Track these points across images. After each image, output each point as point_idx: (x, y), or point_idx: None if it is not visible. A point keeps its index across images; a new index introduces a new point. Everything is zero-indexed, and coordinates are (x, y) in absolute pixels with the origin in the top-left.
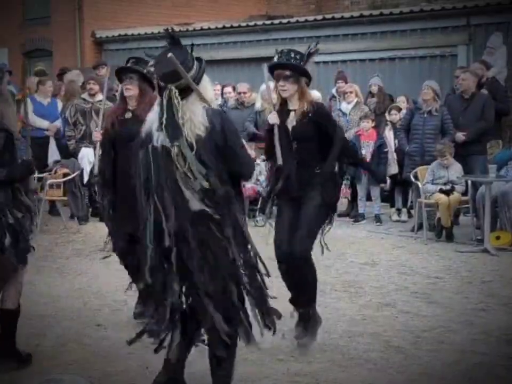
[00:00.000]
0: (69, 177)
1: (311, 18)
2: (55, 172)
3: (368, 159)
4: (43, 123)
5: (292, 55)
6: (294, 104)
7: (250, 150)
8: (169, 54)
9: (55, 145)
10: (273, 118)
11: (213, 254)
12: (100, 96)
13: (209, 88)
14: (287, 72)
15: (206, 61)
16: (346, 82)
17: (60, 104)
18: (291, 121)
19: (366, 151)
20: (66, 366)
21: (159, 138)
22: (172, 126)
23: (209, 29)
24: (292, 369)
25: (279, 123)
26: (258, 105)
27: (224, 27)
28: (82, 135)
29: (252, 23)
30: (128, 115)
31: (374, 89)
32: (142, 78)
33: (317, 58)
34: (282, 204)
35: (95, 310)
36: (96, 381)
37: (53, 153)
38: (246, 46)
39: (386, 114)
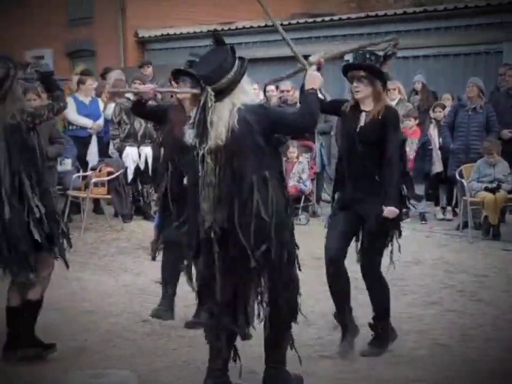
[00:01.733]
0: (113, 175)
1: (353, 16)
2: (100, 171)
3: (412, 157)
4: (86, 122)
5: (367, 56)
6: (366, 107)
7: (293, 148)
8: None
9: (96, 145)
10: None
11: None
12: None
13: (249, 90)
14: (361, 73)
15: (248, 60)
16: (389, 79)
17: (101, 103)
18: (360, 122)
19: (410, 149)
20: (113, 361)
21: (191, 136)
22: (202, 128)
23: (251, 27)
24: (338, 367)
25: (348, 125)
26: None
27: (266, 25)
28: (127, 134)
29: (293, 21)
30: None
31: (418, 86)
32: (195, 80)
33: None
34: (338, 209)
35: (140, 306)
36: (142, 375)
37: (92, 152)
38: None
39: (431, 111)
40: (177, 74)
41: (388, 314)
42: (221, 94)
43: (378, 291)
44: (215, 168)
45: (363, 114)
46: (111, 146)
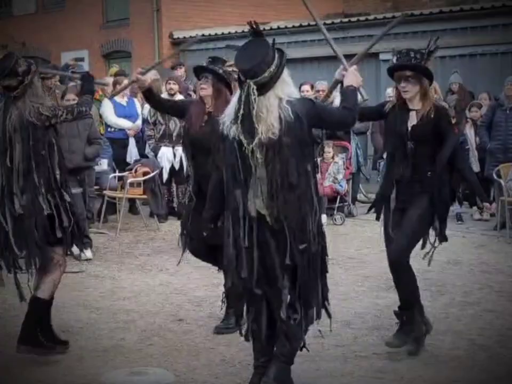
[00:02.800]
0: (149, 176)
1: (389, 15)
2: (136, 171)
3: None
4: (125, 123)
5: (412, 55)
6: (415, 105)
7: (329, 148)
8: None
9: (134, 145)
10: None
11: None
12: (179, 96)
13: (289, 82)
14: (408, 73)
15: None
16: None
17: (137, 103)
18: (411, 121)
19: None
20: (150, 359)
21: (233, 131)
22: (248, 123)
23: (285, 27)
24: (375, 366)
25: (396, 125)
26: (336, 103)
27: (300, 25)
28: (162, 134)
29: (328, 21)
30: (205, 118)
31: (455, 87)
32: (217, 77)
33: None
34: (389, 210)
35: (176, 305)
36: (179, 374)
37: (132, 153)
38: (323, 44)
39: (467, 111)
40: (199, 72)
41: (414, 303)
42: (263, 88)
43: (407, 279)
44: (265, 162)
45: (412, 113)
46: (147, 147)
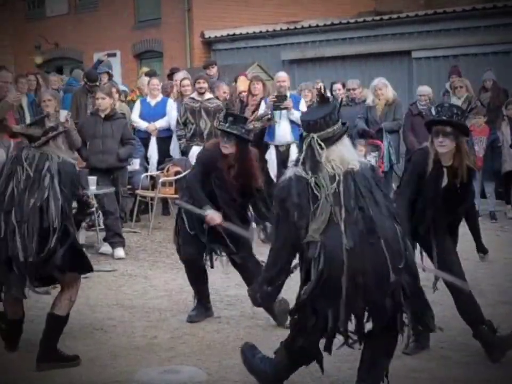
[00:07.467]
0: (181, 175)
1: (421, 12)
2: (167, 170)
3: (481, 155)
4: (141, 124)
5: (454, 111)
6: (447, 160)
7: (361, 146)
8: None
9: (156, 144)
10: None
11: None
12: (208, 95)
13: (350, 147)
14: (448, 129)
15: (314, 59)
16: (460, 77)
17: (171, 103)
18: (443, 180)
19: (479, 147)
20: (183, 358)
21: (295, 171)
22: (312, 161)
23: (317, 26)
24: (409, 365)
25: (431, 182)
26: (369, 101)
27: (332, 24)
28: (193, 134)
29: (360, 19)
30: (231, 171)
31: (488, 84)
32: (240, 139)
33: (428, 53)
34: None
35: None
36: (212, 372)
37: (153, 152)
38: (354, 42)
39: (503, 109)
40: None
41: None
42: (326, 142)
43: (469, 300)
44: (338, 192)
45: (445, 171)
46: (171, 146)
